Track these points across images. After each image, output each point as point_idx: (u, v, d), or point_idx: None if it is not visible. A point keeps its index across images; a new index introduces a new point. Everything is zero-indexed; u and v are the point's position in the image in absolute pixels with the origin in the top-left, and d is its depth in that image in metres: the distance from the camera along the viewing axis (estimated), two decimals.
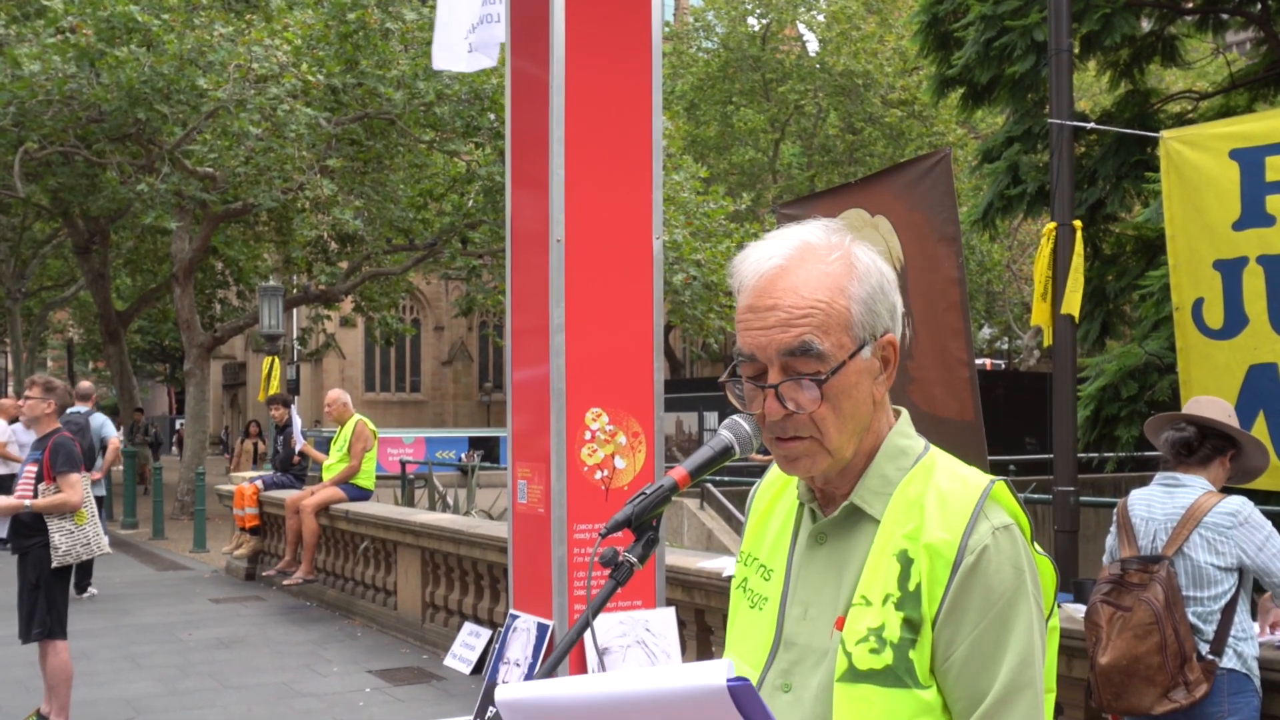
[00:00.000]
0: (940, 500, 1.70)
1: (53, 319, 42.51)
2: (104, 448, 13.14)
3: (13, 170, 18.66)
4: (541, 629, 4.31)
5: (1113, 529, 4.64)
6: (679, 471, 1.83)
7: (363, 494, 11.87)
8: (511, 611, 4.58)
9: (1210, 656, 4.21)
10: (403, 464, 16.83)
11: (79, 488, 7.28)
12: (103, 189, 20.89)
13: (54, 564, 7.15)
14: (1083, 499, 6.17)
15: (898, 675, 1.64)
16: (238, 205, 20.57)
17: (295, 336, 35.93)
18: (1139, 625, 4.21)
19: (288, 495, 12.50)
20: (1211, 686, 4.16)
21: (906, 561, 1.67)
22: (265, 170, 18.45)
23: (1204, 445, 4.47)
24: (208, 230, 22.13)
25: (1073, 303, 6.13)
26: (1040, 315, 6.17)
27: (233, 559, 14.41)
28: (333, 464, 11.92)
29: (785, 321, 1.72)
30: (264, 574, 13.39)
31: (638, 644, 4.33)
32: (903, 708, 1.63)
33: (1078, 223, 6.23)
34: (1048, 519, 8.09)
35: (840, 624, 1.72)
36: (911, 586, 1.66)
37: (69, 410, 17.11)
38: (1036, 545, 1.74)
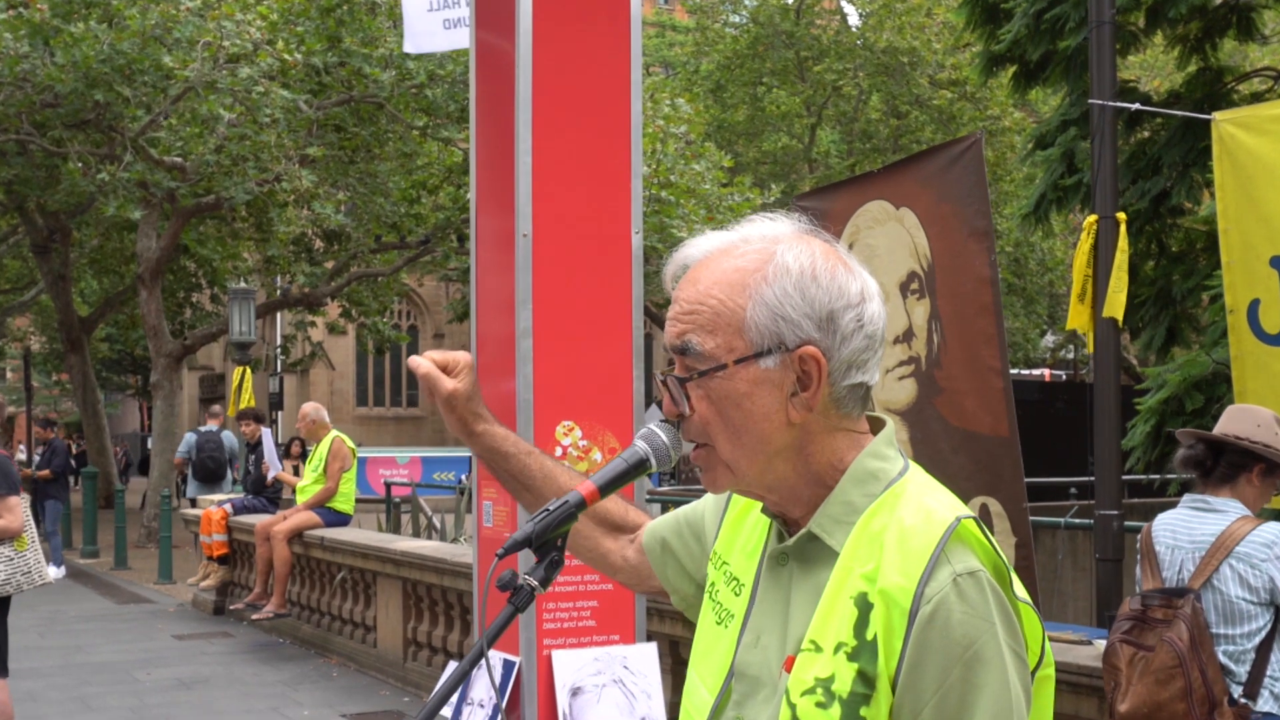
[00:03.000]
0: (900, 538, 1.66)
1: (11, 325, 42.87)
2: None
3: None
4: (508, 665, 4.34)
5: (1139, 558, 4.64)
6: (587, 486, 1.86)
7: (341, 519, 11.94)
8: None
9: (1243, 700, 4.19)
10: (388, 485, 16.92)
11: (19, 511, 7.35)
12: (62, 181, 21.06)
13: None
14: (1128, 524, 6.16)
15: None
16: (210, 199, 20.73)
17: (278, 345, 36.14)
18: (1161, 669, 4.19)
19: (259, 520, 12.58)
20: None
21: (865, 607, 1.64)
22: (239, 160, 18.59)
23: (1219, 463, 4.45)
24: (177, 226, 22.29)
25: (1116, 304, 6.14)
26: (1077, 318, 6.18)
27: (199, 591, 14.51)
28: (307, 485, 12.01)
29: (676, 316, 1.77)
30: (232, 607, 13.47)
31: (614, 683, 4.36)
32: None
33: (1122, 215, 6.25)
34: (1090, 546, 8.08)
35: (789, 664, 1.71)
36: (869, 636, 1.63)
37: (203, 429, 17.73)
38: (1017, 590, 1.68)
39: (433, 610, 9.92)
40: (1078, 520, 8.67)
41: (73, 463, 28.39)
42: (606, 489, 1.87)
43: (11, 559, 7.32)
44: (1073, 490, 16.43)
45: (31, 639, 12.47)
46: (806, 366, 1.71)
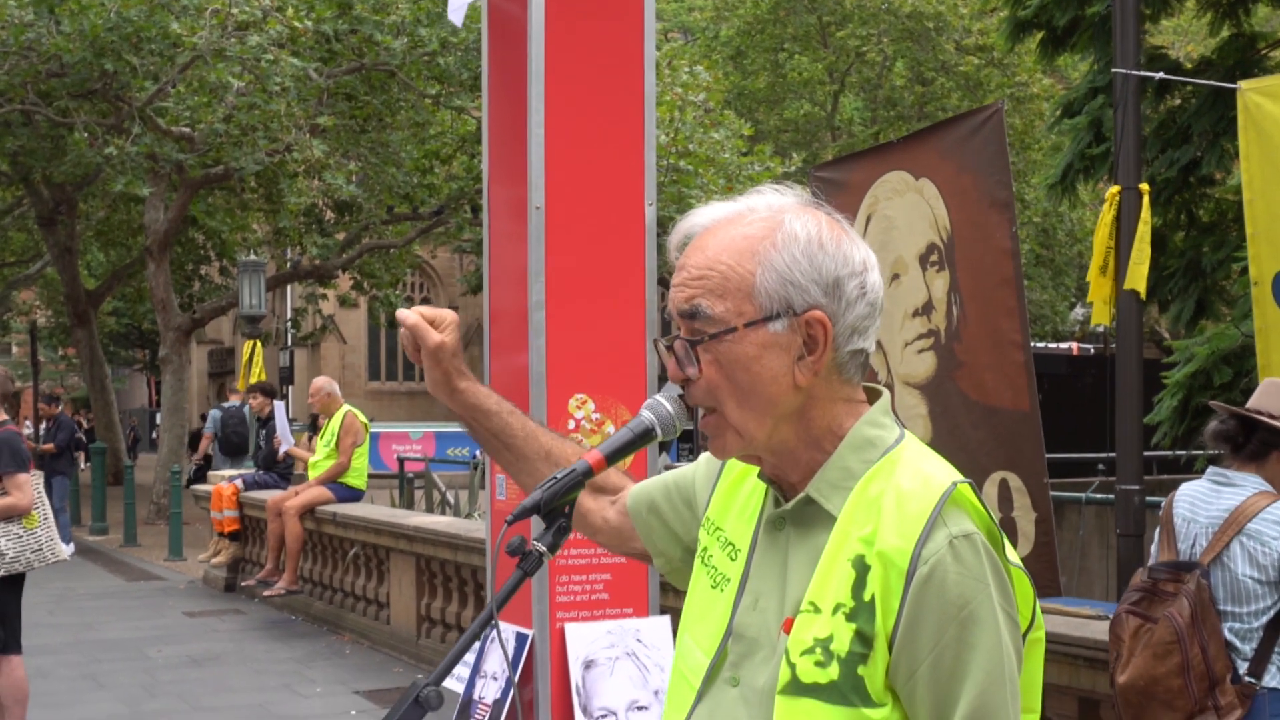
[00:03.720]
0: (898, 501, 1.75)
1: (17, 299, 43.08)
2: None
3: None
4: (521, 638, 4.45)
5: (1158, 529, 4.70)
6: (594, 455, 1.96)
7: (353, 494, 12.07)
8: None
9: (1248, 679, 4.24)
10: (401, 461, 17.06)
11: (28, 489, 7.43)
12: (68, 152, 21.18)
13: (1, 572, 7.32)
14: (1151, 500, 6.24)
15: (843, 692, 1.72)
16: (218, 169, 20.83)
17: (288, 318, 36.27)
18: (1159, 644, 4.26)
19: (270, 496, 12.72)
20: (1247, 711, 4.20)
21: (862, 569, 1.74)
22: (248, 130, 18.66)
23: (1251, 440, 4.47)
24: (185, 198, 22.42)
25: (1137, 277, 6.20)
26: (1098, 291, 6.24)
27: (210, 568, 14.68)
28: (319, 461, 12.14)
29: (684, 282, 1.85)
30: (244, 584, 13.63)
31: (627, 656, 4.46)
32: None
33: (1145, 186, 6.30)
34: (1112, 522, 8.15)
35: (788, 626, 1.81)
36: (866, 597, 1.73)
37: (226, 405, 17.96)
38: (1010, 555, 1.79)
39: (446, 586, 10.05)
40: (1099, 496, 8.73)
41: (82, 438, 28.61)
42: (613, 458, 1.97)
43: (20, 536, 7.41)
44: (1100, 466, 16.41)
45: (41, 616, 12.64)
46: (813, 331, 1.81)
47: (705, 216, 1.92)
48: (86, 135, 20.18)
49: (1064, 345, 25.58)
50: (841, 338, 1.83)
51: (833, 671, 1.72)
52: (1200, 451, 10.54)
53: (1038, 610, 1.83)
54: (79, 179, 23.74)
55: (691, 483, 2.19)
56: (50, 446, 18.70)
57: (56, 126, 21.00)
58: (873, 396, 1.92)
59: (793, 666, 1.76)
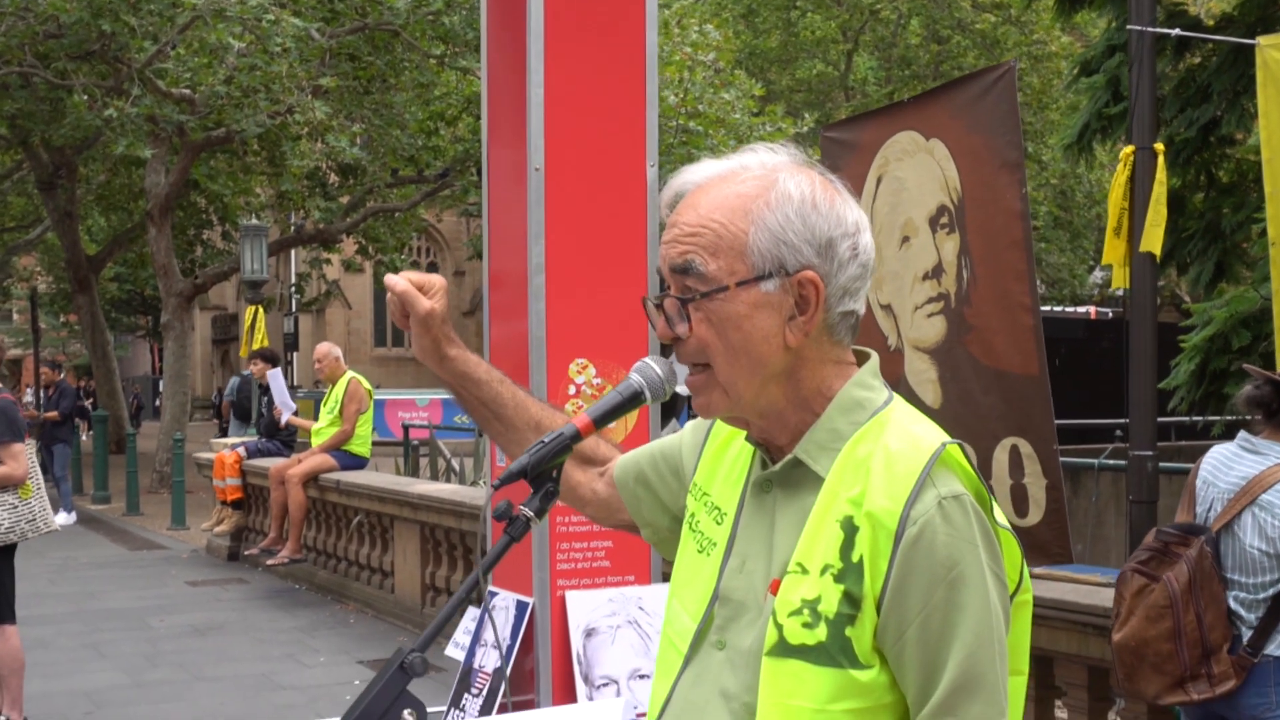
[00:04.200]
0: (887, 462, 1.77)
1: (17, 265, 43.14)
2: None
3: None
4: (521, 606, 4.47)
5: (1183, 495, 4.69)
6: (582, 419, 1.97)
7: (357, 462, 12.11)
8: (490, 588, 4.75)
9: (1246, 650, 4.23)
10: (405, 428, 17.10)
11: (23, 458, 7.46)
12: (67, 115, 21.17)
13: None
14: (1163, 465, 6.24)
15: (830, 653, 1.74)
16: (220, 132, 20.80)
17: (292, 284, 36.31)
18: (1153, 606, 4.27)
19: (273, 464, 12.76)
20: (1241, 682, 4.20)
21: (850, 530, 1.76)
22: (250, 91, 18.63)
23: None
24: (186, 161, 22.41)
25: (1153, 239, 6.19)
26: (1113, 253, 6.24)
27: (213, 537, 14.74)
28: (322, 428, 12.17)
29: (677, 239, 1.86)
30: (247, 553, 13.70)
31: (629, 624, 4.48)
32: (834, 687, 1.73)
33: (1160, 146, 6.28)
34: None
35: (775, 588, 1.83)
36: (854, 558, 1.75)
37: (245, 373, 17.96)
38: (998, 516, 1.81)
39: (451, 555, 10.09)
40: (1112, 462, 8.73)
41: (88, 405, 28.66)
42: (601, 421, 1.98)
43: (15, 506, 7.44)
44: (1118, 432, 16.44)
45: (43, 586, 12.73)
46: (805, 291, 1.83)
47: (698, 174, 1.93)
48: (86, 98, 20.15)
49: (1082, 309, 25.54)
50: (833, 298, 1.85)
51: (820, 633, 1.74)
52: (1218, 417, 10.54)
53: (1025, 572, 1.85)
54: (78, 142, 23.75)
55: (678, 451, 2.20)
56: (55, 415, 18.76)
57: (55, 89, 20.99)
58: (861, 359, 1.94)
59: (780, 628, 1.78)
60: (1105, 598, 5.03)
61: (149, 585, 12.93)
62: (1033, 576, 5.22)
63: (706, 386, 1.88)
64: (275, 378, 13.68)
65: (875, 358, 1.94)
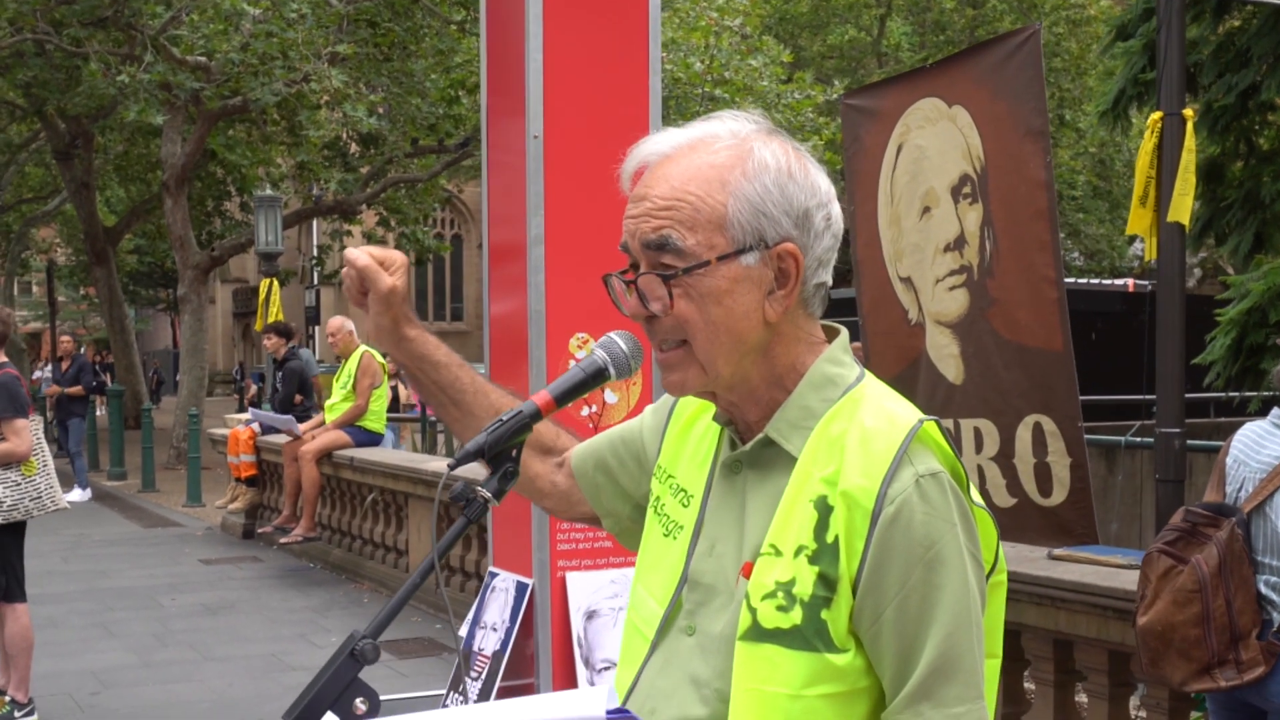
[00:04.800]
0: (863, 440, 1.76)
1: (35, 237, 43.39)
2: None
3: None
4: (521, 588, 4.45)
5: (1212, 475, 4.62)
6: (542, 396, 1.93)
7: (372, 438, 12.12)
8: (490, 569, 4.73)
9: (1275, 637, 4.17)
10: (422, 404, 17.13)
11: (26, 434, 7.47)
12: (82, 83, 21.22)
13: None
14: (1193, 443, 6.17)
15: (805, 637, 1.72)
16: (236, 101, 20.79)
17: (312, 256, 36.36)
18: (1180, 590, 4.21)
19: (286, 440, 12.78)
20: (1270, 669, 4.14)
21: (825, 510, 1.74)
22: (266, 59, 18.61)
23: None
24: (202, 130, 22.42)
25: (1181, 208, 6.12)
26: (1138, 223, 6.16)
27: (228, 514, 14.80)
28: (336, 403, 12.18)
29: (649, 212, 1.82)
30: (261, 531, 13.75)
31: None
32: (810, 672, 1.72)
33: (1189, 112, 6.20)
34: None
35: (747, 570, 1.81)
36: (829, 539, 1.73)
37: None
38: (974, 495, 1.80)
39: (466, 533, 10.07)
40: (1138, 439, 8.65)
41: (108, 378, 28.78)
42: (563, 399, 1.94)
43: (19, 484, 7.45)
44: (1154, 409, 16.33)
45: (55, 563, 12.81)
46: (785, 264, 1.81)
47: (663, 143, 1.89)
48: (100, 66, 20.17)
49: (1119, 281, 25.33)
50: (809, 270, 1.84)
51: (795, 616, 1.72)
52: (1254, 394, 10.43)
53: (1000, 553, 1.84)
54: (94, 111, 23.80)
55: (639, 435, 2.18)
56: (79, 389, 18.85)
57: (70, 57, 21.03)
58: (831, 334, 1.92)
59: (753, 611, 1.75)
60: (1127, 580, 4.97)
61: (162, 563, 12.99)
62: (1053, 558, 5.19)
63: (683, 363, 1.85)
64: (258, 417, 13.70)
65: (845, 333, 1.92)
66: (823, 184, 1.86)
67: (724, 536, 1.88)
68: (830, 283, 1.88)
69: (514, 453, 1.90)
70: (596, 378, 1.95)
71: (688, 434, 2.04)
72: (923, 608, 1.70)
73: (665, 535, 1.97)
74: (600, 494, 2.21)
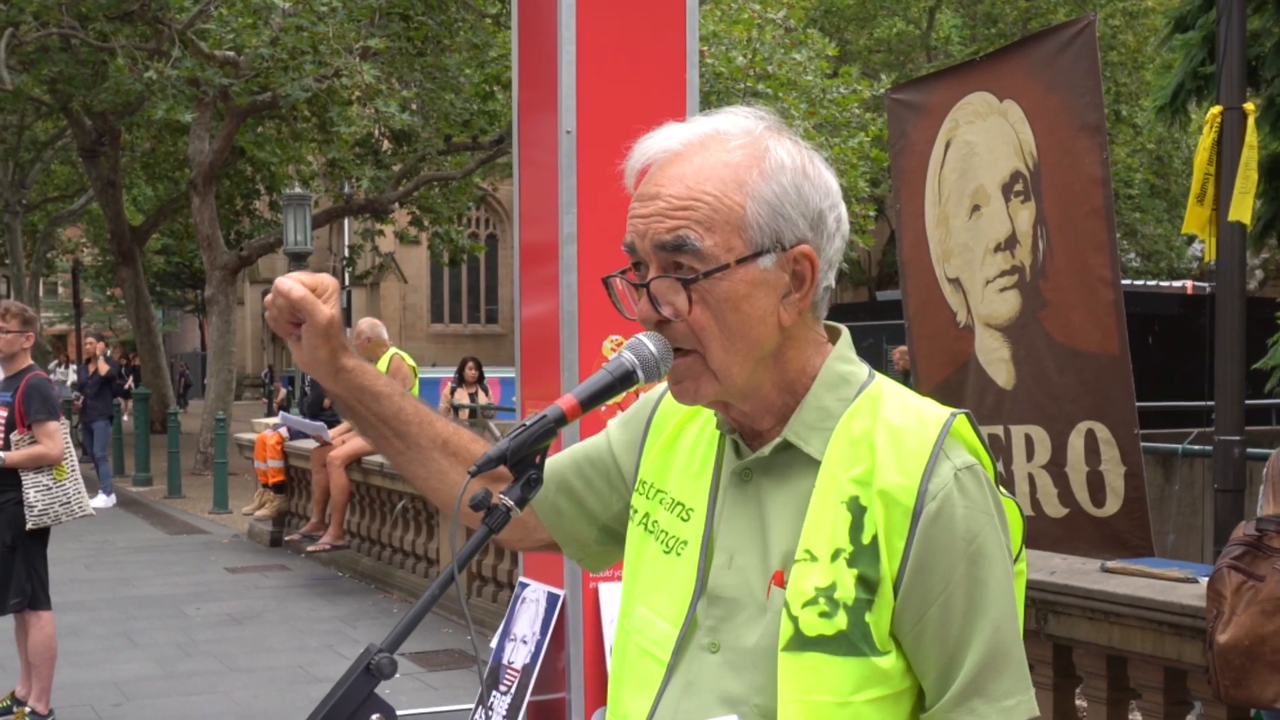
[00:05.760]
0: (893, 438, 1.76)
1: (61, 236, 43.73)
2: None
3: None
4: (552, 599, 4.43)
5: (1265, 481, 4.57)
6: (567, 400, 1.90)
7: None
8: (520, 579, 4.72)
9: None
10: (454, 408, 17.13)
11: (58, 437, 7.54)
12: (108, 79, 21.36)
13: (29, 525, 7.42)
14: (1251, 451, 6.11)
15: (852, 642, 1.71)
16: (265, 96, 20.88)
17: (344, 256, 36.49)
18: (1270, 599, 4.15)
19: (314, 446, 12.81)
20: None
21: (858, 510, 1.74)
22: (296, 54, 18.69)
23: None
24: (231, 127, 22.52)
25: (1242, 207, 6.06)
26: (1195, 221, 6.10)
27: (255, 521, 14.86)
28: None
29: (663, 212, 1.80)
30: (289, 538, 13.79)
31: None
32: (856, 677, 1.71)
33: (1250, 106, 6.13)
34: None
35: (779, 579, 1.79)
36: (866, 540, 1.72)
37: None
38: (1000, 488, 1.82)
39: (497, 542, 10.06)
40: (1196, 448, 8.56)
41: (134, 380, 28.93)
42: (589, 403, 1.91)
43: (50, 488, 7.52)
44: (1213, 415, 16.18)
45: (78, 571, 12.89)
46: (800, 266, 1.81)
47: (670, 140, 1.87)
48: (127, 61, 20.30)
49: (1178, 284, 25.13)
50: (822, 272, 1.84)
51: (840, 621, 1.71)
52: None
53: (1022, 542, 1.87)
54: (120, 107, 23.94)
55: (607, 453, 2.14)
56: (104, 366, 18.94)
57: (96, 52, 21.16)
58: (833, 334, 1.93)
59: (795, 620, 1.74)
60: (1184, 594, 4.91)
61: (187, 571, 13.05)
62: (1106, 571, 5.12)
63: (693, 373, 1.83)
64: (288, 421, 13.70)
65: (846, 332, 1.93)
66: (833, 184, 1.86)
67: (744, 548, 1.86)
68: (833, 285, 1.89)
69: (537, 459, 1.88)
70: (624, 381, 1.91)
71: (674, 446, 2.02)
72: (969, 603, 1.72)
73: (667, 552, 1.94)
74: (561, 519, 2.17)
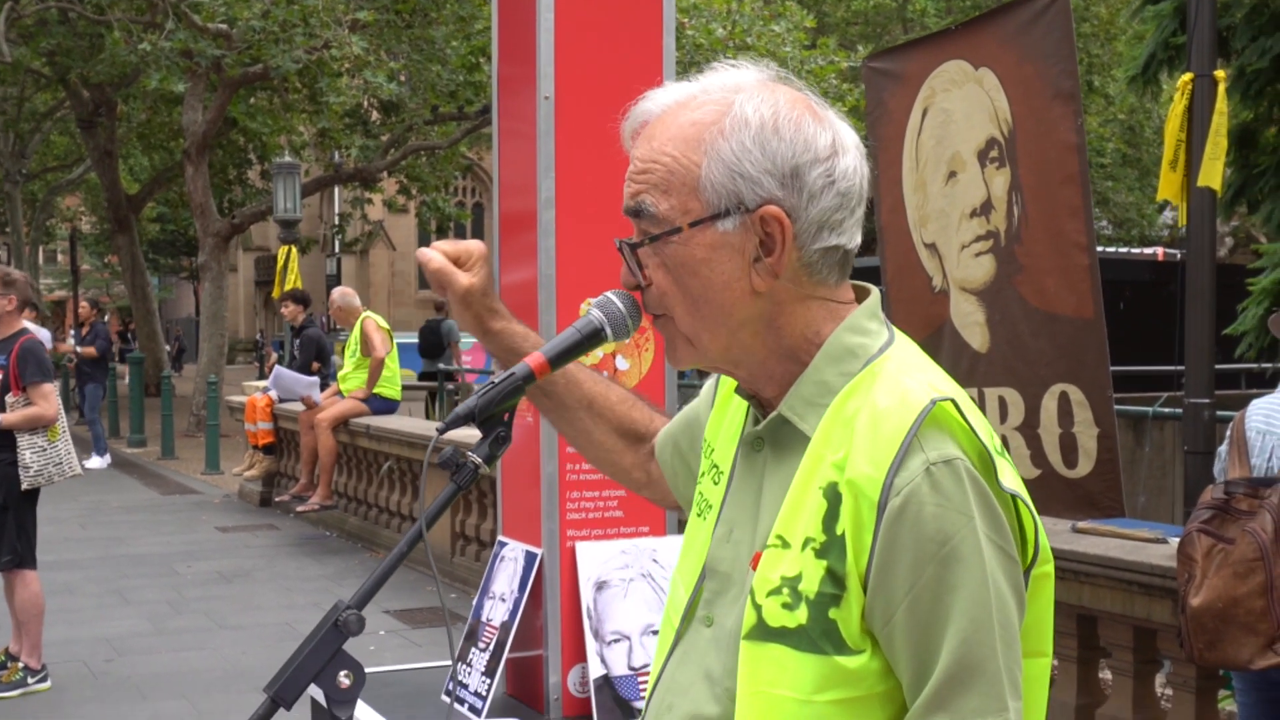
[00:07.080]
0: (872, 422, 1.58)
1: (59, 205, 43.52)
2: None
3: None
4: (530, 557, 4.36)
5: (1223, 446, 4.52)
6: (536, 358, 1.82)
7: (388, 405, 12.06)
8: (500, 538, 4.64)
9: None
10: (441, 371, 17.08)
11: (53, 399, 7.51)
12: (104, 52, 21.19)
13: (24, 485, 7.37)
14: (1220, 414, 6.04)
15: (812, 637, 1.57)
16: (257, 68, 20.70)
17: (333, 224, 36.32)
18: (1240, 561, 4.09)
19: (303, 408, 12.73)
20: None
21: (835, 499, 1.58)
22: (287, 26, 18.52)
23: None
24: (224, 98, 22.34)
25: (1212, 173, 5.97)
26: (1168, 187, 6.02)
27: (245, 481, 14.78)
28: (348, 373, 12.13)
29: (630, 176, 1.72)
30: (278, 499, 13.72)
31: (643, 577, 4.36)
32: (819, 675, 1.57)
33: (1220, 73, 6.05)
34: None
35: (756, 561, 1.67)
36: (838, 531, 1.57)
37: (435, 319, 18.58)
38: (1007, 481, 1.60)
39: (481, 503, 10.02)
40: (1166, 410, 8.50)
41: (130, 340, 28.82)
42: (558, 361, 1.84)
43: (44, 449, 7.47)
44: (1184, 380, 16.16)
45: (72, 530, 12.81)
46: (769, 228, 1.65)
47: (658, 101, 1.76)
48: (123, 34, 20.13)
49: (1149, 250, 25.11)
50: (805, 235, 1.66)
51: (800, 615, 1.57)
52: None
53: (1043, 540, 1.64)
54: (117, 79, 23.78)
55: (700, 410, 2.05)
56: (92, 350, 18.85)
57: (93, 25, 20.99)
58: (861, 295, 1.76)
59: (759, 608, 1.61)
60: (1154, 554, 4.86)
61: (179, 531, 12.98)
62: (1077, 531, 5.06)
63: (670, 337, 1.74)
64: (281, 375, 13.50)
65: (875, 295, 1.75)
66: (822, 139, 1.66)
67: (741, 521, 1.74)
68: (850, 245, 1.70)
69: (506, 417, 1.80)
70: (592, 339, 1.83)
71: (727, 405, 1.90)
72: (935, 610, 1.52)
73: (698, 515, 1.85)
74: (677, 479, 2.09)
